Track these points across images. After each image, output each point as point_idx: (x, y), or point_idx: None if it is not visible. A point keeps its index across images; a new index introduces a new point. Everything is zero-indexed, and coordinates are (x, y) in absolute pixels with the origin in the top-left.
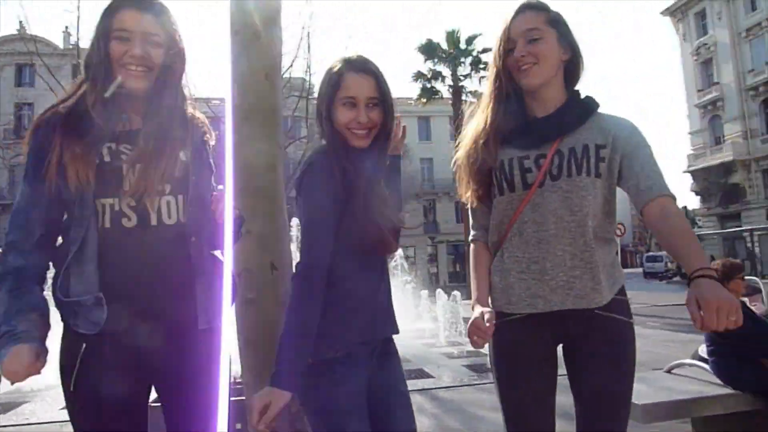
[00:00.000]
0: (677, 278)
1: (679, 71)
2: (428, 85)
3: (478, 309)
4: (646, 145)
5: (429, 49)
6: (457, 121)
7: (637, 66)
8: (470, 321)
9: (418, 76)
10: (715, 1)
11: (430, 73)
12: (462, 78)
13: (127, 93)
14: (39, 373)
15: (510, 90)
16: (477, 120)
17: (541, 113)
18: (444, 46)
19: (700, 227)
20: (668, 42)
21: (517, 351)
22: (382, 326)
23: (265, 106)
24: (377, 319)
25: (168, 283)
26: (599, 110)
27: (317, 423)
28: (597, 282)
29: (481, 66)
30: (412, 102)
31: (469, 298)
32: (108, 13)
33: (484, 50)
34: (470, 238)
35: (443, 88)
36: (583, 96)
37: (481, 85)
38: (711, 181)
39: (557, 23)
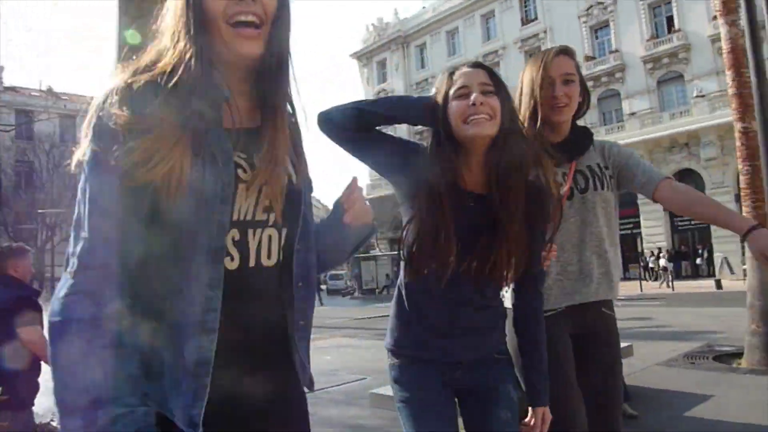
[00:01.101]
0: (357, 294)
1: None
2: None
3: None
4: (632, 152)
5: None
6: None
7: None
8: None
9: None
10: (394, 54)
11: None
12: None
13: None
14: None
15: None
16: None
17: (556, 140)
18: None
19: None
20: (356, 82)
21: (556, 343)
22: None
23: None
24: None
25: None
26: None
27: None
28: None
29: None
30: None
31: None
32: None
33: None
34: None
35: None
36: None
37: None
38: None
39: (579, 70)
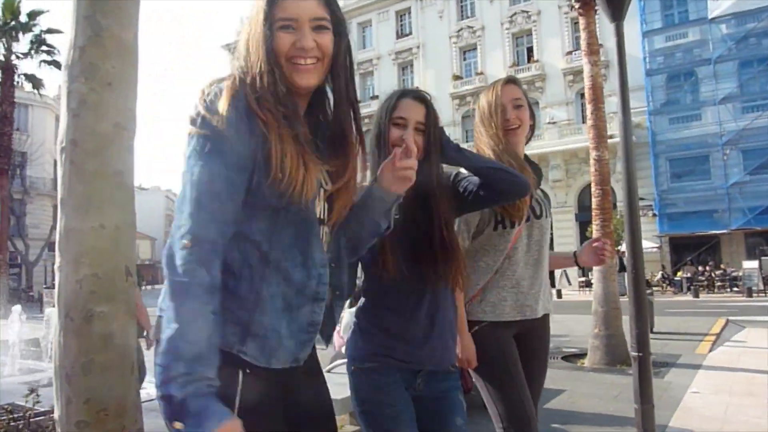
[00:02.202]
0: None
1: None
2: None
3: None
4: None
5: None
6: (5, 106)
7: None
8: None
9: None
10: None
11: None
12: (19, 56)
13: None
14: None
15: None
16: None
17: (516, 165)
18: None
19: None
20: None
21: (510, 348)
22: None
23: None
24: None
25: None
26: None
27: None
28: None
29: (44, 49)
30: None
31: None
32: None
33: (50, 30)
34: None
35: None
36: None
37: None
38: None
39: (526, 96)
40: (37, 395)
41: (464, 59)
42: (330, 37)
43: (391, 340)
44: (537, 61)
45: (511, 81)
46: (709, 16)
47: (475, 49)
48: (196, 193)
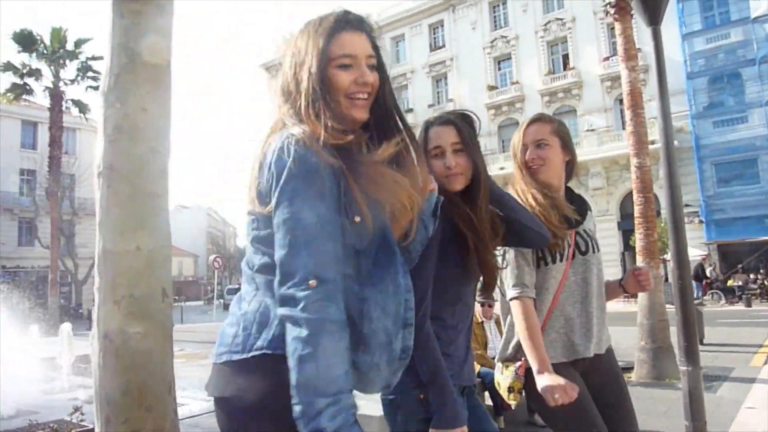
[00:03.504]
0: None
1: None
2: (21, 81)
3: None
4: None
5: (26, 40)
6: (54, 131)
7: (238, 110)
8: (555, 385)
9: (8, 67)
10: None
11: (26, 68)
12: (66, 83)
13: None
14: None
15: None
16: (539, 196)
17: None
18: (47, 41)
19: None
20: (265, 93)
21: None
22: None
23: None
24: None
25: None
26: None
27: None
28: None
29: (90, 75)
30: None
31: None
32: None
33: (95, 58)
34: (521, 293)
35: (39, 89)
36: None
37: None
38: None
39: (557, 133)
40: (81, 413)
41: (499, 69)
42: (376, 73)
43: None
44: (573, 68)
45: (537, 120)
46: (752, 16)
47: (509, 58)
48: (308, 236)
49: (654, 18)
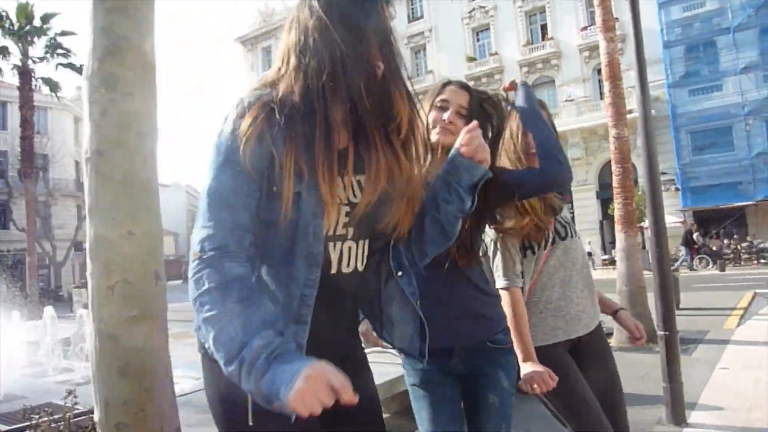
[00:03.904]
0: None
1: None
2: None
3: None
4: None
5: None
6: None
7: (215, 86)
8: (533, 373)
9: None
10: (280, 40)
11: None
12: (35, 60)
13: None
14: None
15: None
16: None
17: None
18: (12, 17)
19: None
20: (241, 67)
21: (562, 363)
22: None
23: None
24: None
25: None
26: None
27: None
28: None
29: (60, 52)
30: None
31: None
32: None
33: (64, 33)
34: (509, 283)
35: (7, 67)
36: None
37: (57, 72)
38: None
39: (550, 118)
40: (75, 396)
41: (477, 40)
42: None
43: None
44: (551, 38)
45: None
46: None
47: (488, 29)
48: (205, 207)
49: None
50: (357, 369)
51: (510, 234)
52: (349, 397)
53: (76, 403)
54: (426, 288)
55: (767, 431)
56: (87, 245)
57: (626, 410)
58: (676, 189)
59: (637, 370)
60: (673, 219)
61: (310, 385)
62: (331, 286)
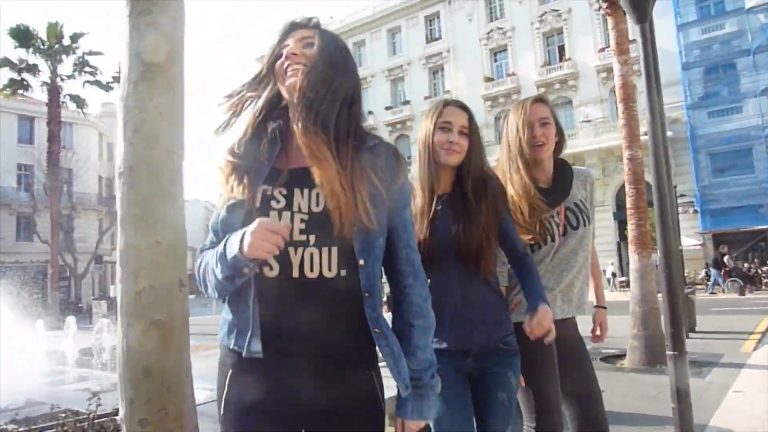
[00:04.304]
0: None
1: None
2: (18, 77)
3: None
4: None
5: (23, 35)
6: (52, 126)
7: None
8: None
9: (5, 63)
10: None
11: (22, 63)
12: (63, 78)
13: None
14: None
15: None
16: (518, 182)
17: (543, 179)
18: (43, 36)
19: None
20: None
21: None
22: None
23: None
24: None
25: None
26: (576, 167)
27: None
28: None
29: (87, 70)
30: None
31: None
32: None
33: (92, 53)
34: None
35: (36, 84)
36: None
37: (84, 89)
38: None
39: (554, 115)
40: (99, 399)
41: (495, 60)
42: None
43: (438, 331)
44: (569, 59)
45: (539, 100)
46: (747, 6)
47: (505, 50)
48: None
49: (642, 16)
50: (347, 365)
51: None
52: (285, 231)
53: (99, 405)
54: (450, 291)
55: None
56: (117, 253)
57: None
58: (695, 211)
59: (649, 391)
60: (691, 242)
61: (255, 235)
62: (291, 289)
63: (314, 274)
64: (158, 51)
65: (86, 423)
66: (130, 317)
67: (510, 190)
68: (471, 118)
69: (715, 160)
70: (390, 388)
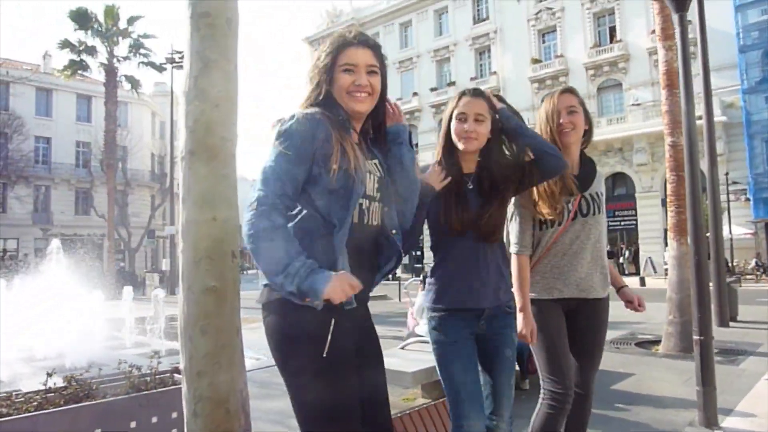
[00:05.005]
0: None
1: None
2: (77, 58)
3: (528, 319)
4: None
5: (82, 18)
6: (109, 106)
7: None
8: (523, 325)
9: (66, 44)
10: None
11: (81, 45)
12: (119, 59)
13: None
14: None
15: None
16: None
17: (570, 166)
18: (101, 18)
19: None
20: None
21: (552, 321)
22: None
23: None
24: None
25: None
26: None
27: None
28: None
29: (142, 51)
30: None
31: None
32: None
33: (146, 35)
34: (519, 250)
35: (94, 65)
36: (591, 159)
37: (138, 70)
38: None
39: (583, 104)
40: (159, 356)
41: (543, 42)
42: (379, 78)
43: (454, 290)
44: (620, 41)
45: (567, 90)
46: None
47: (554, 31)
48: (264, 177)
49: (681, 5)
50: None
51: (529, 210)
52: (359, 288)
53: (159, 363)
54: (467, 258)
55: None
56: (179, 227)
57: (594, 374)
58: (747, 199)
59: (681, 376)
60: (742, 230)
61: (338, 281)
62: (363, 232)
63: (375, 222)
64: (217, 49)
65: (149, 377)
66: (190, 283)
67: None
68: (486, 101)
69: None
70: (416, 361)
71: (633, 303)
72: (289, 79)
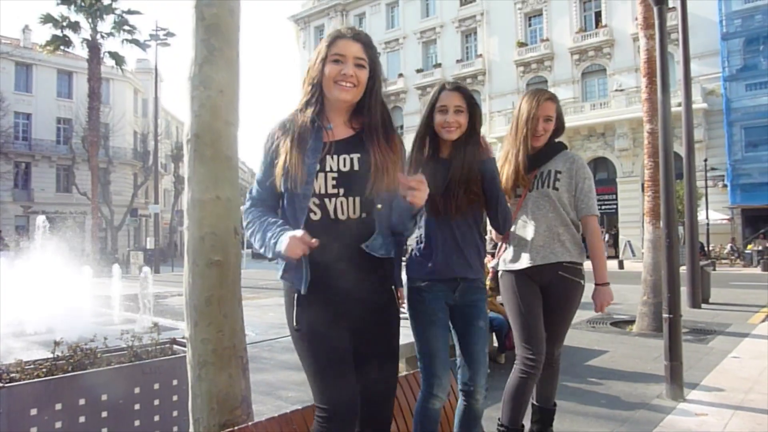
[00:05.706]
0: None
1: (300, 75)
2: (60, 33)
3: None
4: (588, 177)
5: None
6: (92, 82)
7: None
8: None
9: (48, 19)
10: (332, 21)
11: (65, 20)
12: (104, 35)
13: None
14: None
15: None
16: (514, 159)
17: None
18: None
19: None
20: (293, 45)
21: (522, 290)
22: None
23: None
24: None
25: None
26: (567, 151)
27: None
28: (562, 247)
29: (126, 28)
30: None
31: None
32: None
33: (130, 11)
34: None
35: (77, 41)
36: (556, 141)
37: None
38: None
39: (558, 109)
40: (158, 328)
41: (529, 25)
42: (366, 72)
43: (431, 263)
44: (605, 26)
45: (550, 99)
46: None
47: (540, 14)
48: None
49: None
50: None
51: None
52: (312, 243)
53: (159, 334)
54: (446, 232)
55: (759, 410)
56: (185, 206)
57: (562, 339)
58: (724, 185)
59: (651, 353)
60: (719, 216)
61: (291, 241)
62: (330, 227)
63: (344, 217)
64: (221, 37)
65: (150, 347)
66: (195, 257)
67: (511, 160)
68: (465, 95)
69: (749, 134)
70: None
71: (595, 305)
72: (275, 59)
